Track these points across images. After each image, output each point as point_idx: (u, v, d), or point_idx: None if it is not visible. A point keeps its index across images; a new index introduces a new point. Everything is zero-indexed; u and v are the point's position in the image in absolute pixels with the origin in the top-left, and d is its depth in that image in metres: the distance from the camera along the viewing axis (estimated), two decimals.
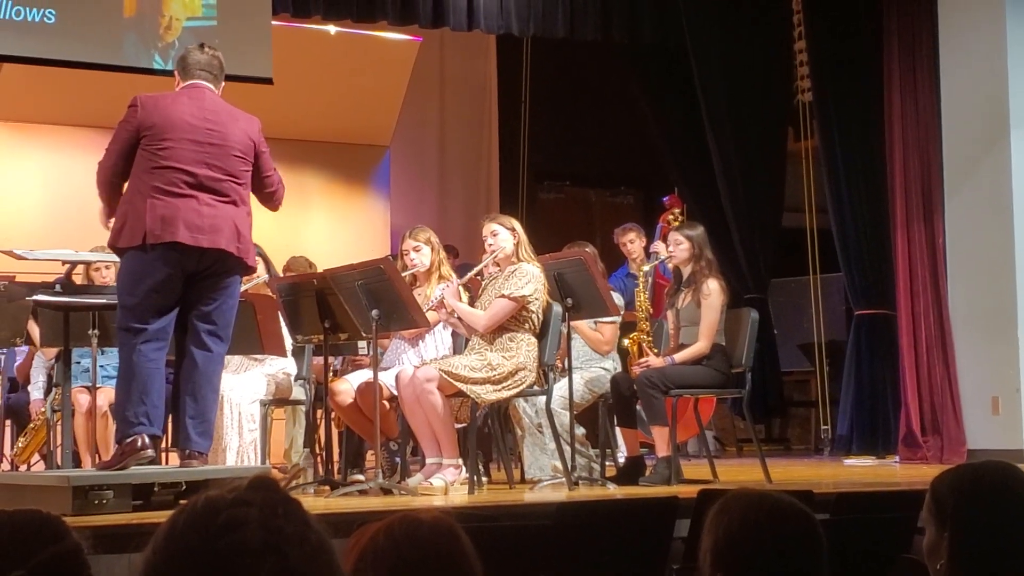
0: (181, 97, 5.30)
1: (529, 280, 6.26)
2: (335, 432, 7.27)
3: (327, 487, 6.12)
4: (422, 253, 6.63)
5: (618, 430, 7.14)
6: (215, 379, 5.37)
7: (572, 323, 6.71)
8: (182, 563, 1.45)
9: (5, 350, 7.57)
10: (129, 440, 5.08)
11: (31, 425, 7.48)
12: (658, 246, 8.12)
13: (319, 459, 7.05)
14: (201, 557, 1.44)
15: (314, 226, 10.27)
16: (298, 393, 6.99)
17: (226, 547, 1.43)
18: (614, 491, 6.21)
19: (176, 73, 5.46)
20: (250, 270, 5.55)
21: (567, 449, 6.33)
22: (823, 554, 2.13)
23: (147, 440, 5.10)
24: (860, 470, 7.98)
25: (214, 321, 5.26)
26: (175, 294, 5.17)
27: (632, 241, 8.69)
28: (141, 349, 5.10)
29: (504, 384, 6.14)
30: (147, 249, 5.07)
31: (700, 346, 6.54)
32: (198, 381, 5.23)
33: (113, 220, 5.23)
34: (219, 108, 5.33)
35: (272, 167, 5.48)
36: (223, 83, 5.49)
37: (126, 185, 5.24)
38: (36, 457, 7.60)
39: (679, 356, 6.56)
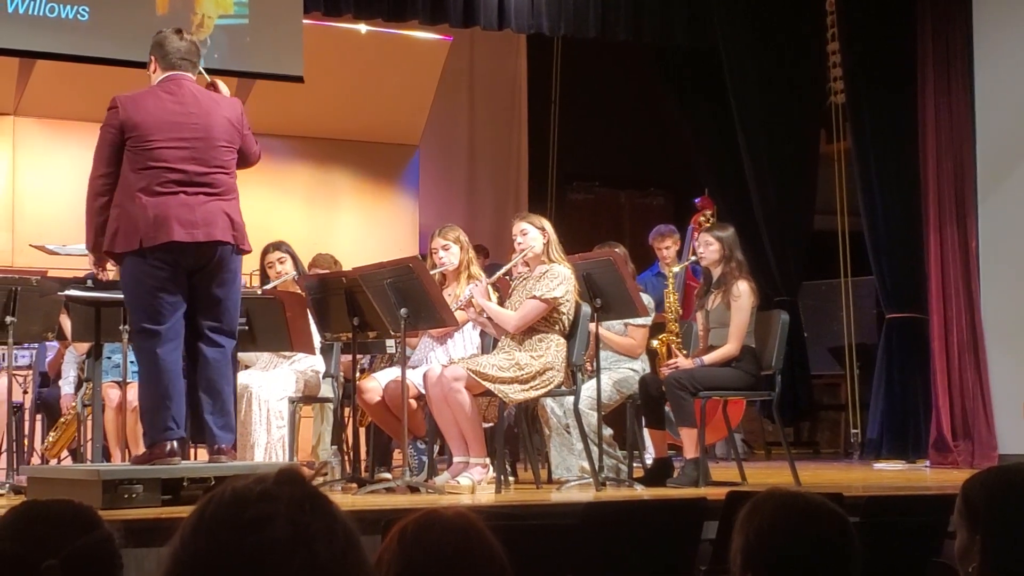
0: (161, 93, 5.25)
1: (561, 281, 6.25)
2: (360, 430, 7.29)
3: (354, 484, 6.13)
4: (451, 252, 6.63)
5: (646, 431, 7.12)
6: (229, 372, 5.39)
7: (601, 335, 6.70)
8: (209, 558, 1.44)
9: (37, 345, 7.61)
10: (158, 447, 5.11)
11: (62, 420, 7.51)
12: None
13: (347, 457, 7.05)
14: (228, 553, 1.43)
15: (343, 225, 10.29)
16: (326, 391, 6.99)
17: (253, 543, 1.42)
18: (641, 492, 6.19)
19: (153, 59, 5.35)
20: (244, 251, 5.39)
21: (595, 450, 6.32)
22: (856, 556, 2.10)
23: (175, 446, 5.15)
24: (890, 474, 7.93)
25: (219, 318, 5.26)
26: (180, 289, 5.16)
27: (668, 248, 8.65)
28: (159, 353, 5.10)
29: (532, 384, 6.14)
30: (145, 253, 5.07)
31: (729, 348, 6.51)
32: (212, 377, 5.24)
33: (90, 249, 5.23)
34: (200, 98, 5.29)
35: (254, 143, 5.43)
36: (200, 69, 5.44)
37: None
38: (65, 453, 7.63)
39: (708, 358, 6.53)
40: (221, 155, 5.24)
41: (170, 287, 5.12)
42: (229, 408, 5.36)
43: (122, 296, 5.42)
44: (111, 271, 5.58)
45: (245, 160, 5.43)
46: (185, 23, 8.16)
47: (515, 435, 7.11)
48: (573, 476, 6.62)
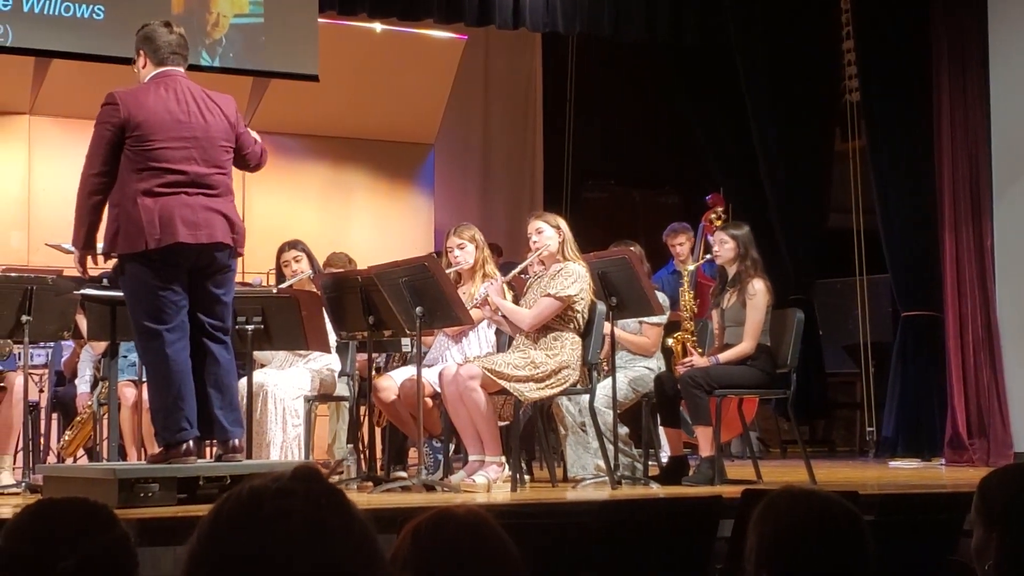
0: (159, 90, 5.21)
1: (575, 279, 6.25)
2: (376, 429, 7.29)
3: (370, 483, 6.14)
4: (466, 251, 6.64)
5: (661, 429, 7.11)
6: (234, 367, 5.43)
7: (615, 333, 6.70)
8: (226, 554, 1.45)
9: (52, 344, 7.62)
10: (174, 448, 5.12)
11: (78, 418, 7.53)
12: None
13: (362, 455, 7.06)
14: (245, 548, 1.44)
15: (358, 223, 10.30)
16: (342, 389, 7.00)
17: (270, 539, 1.43)
18: (657, 490, 6.19)
19: (142, 54, 5.32)
20: (239, 254, 5.42)
21: (610, 448, 6.32)
22: (870, 554, 2.10)
23: (191, 446, 5.16)
24: (905, 472, 7.91)
25: (221, 317, 5.29)
26: (183, 287, 5.18)
27: (682, 244, 8.65)
28: (168, 353, 5.10)
29: (547, 382, 6.14)
30: (150, 254, 5.06)
31: (745, 346, 6.50)
32: (219, 373, 5.26)
33: (80, 248, 5.20)
34: (198, 96, 5.26)
35: (252, 142, 5.41)
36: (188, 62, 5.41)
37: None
38: (80, 451, 7.65)
39: (723, 356, 6.53)
40: (220, 155, 5.24)
41: (174, 286, 5.13)
42: (237, 403, 5.41)
43: None
44: (92, 269, 5.54)
45: (244, 160, 5.41)
46: (200, 22, 8.19)
47: (531, 433, 7.11)
48: (589, 474, 6.62)
